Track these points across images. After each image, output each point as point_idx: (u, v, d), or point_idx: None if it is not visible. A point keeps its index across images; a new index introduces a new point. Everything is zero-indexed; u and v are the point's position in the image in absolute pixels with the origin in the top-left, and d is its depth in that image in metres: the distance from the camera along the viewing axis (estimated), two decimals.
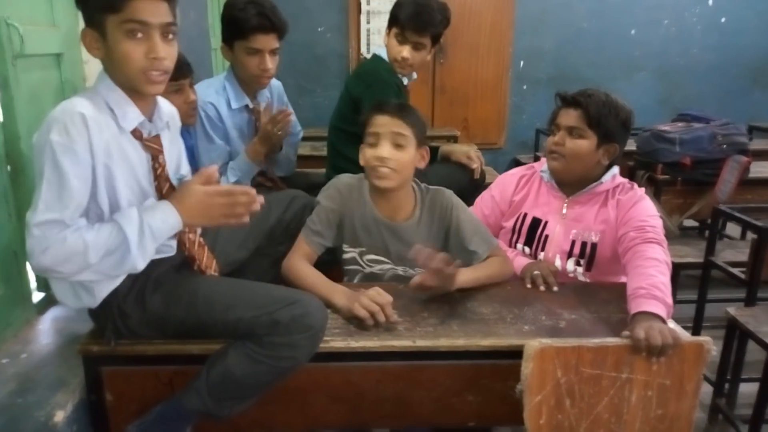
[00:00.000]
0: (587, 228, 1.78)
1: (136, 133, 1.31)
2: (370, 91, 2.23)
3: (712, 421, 2.19)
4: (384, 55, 2.33)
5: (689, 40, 5.16)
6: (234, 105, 2.15)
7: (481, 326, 1.49)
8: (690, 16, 5.12)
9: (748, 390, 2.08)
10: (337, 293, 1.52)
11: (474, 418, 1.50)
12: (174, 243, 1.42)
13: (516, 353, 1.31)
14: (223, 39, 2.12)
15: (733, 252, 2.64)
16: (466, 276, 1.60)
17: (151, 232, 1.23)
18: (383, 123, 1.62)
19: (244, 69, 2.10)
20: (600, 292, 1.69)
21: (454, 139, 4.22)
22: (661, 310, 1.39)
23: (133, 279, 1.33)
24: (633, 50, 5.15)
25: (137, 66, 1.23)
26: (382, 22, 2.26)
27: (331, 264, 1.75)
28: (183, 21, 1.30)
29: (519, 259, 1.82)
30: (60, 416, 1.30)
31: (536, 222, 1.85)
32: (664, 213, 2.62)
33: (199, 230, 1.50)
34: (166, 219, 1.25)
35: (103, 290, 1.32)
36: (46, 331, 1.62)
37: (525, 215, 1.87)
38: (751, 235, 2.34)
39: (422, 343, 1.42)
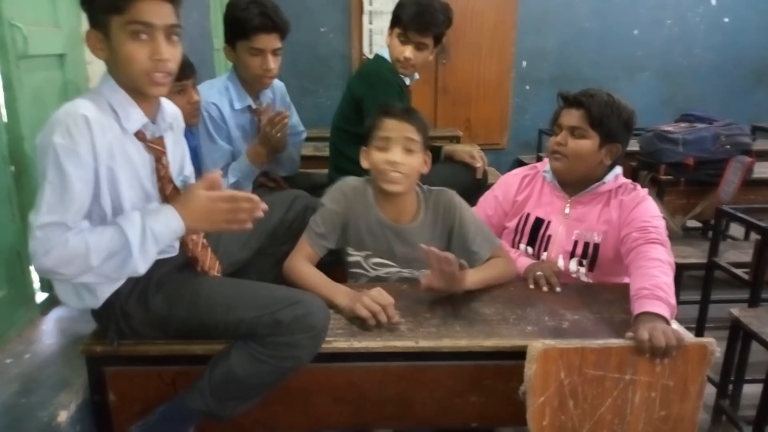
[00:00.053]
0: (590, 228, 1.78)
1: (140, 135, 1.32)
2: (373, 91, 2.24)
3: (715, 422, 2.18)
4: (386, 55, 2.33)
5: (692, 40, 5.15)
6: (237, 105, 2.15)
7: (484, 327, 1.48)
8: (693, 16, 5.11)
9: (751, 391, 2.08)
10: (340, 293, 1.52)
11: (477, 419, 1.50)
12: (177, 244, 1.43)
13: (519, 354, 1.31)
14: (226, 39, 2.12)
15: (737, 253, 2.63)
16: (472, 278, 1.60)
17: (153, 236, 1.23)
18: (394, 128, 1.62)
19: (246, 69, 2.10)
20: (603, 293, 1.69)
21: (456, 140, 4.22)
22: (664, 311, 1.38)
23: (135, 279, 1.34)
24: (636, 50, 5.14)
25: (141, 67, 1.23)
26: (384, 22, 2.27)
27: (333, 265, 1.75)
28: (185, 21, 1.30)
29: (522, 260, 1.82)
30: (63, 416, 1.30)
31: (539, 222, 1.85)
32: (667, 213, 2.62)
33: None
34: (169, 223, 1.25)
35: (106, 291, 1.32)
36: (49, 331, 1.62)
37: (528, 215, 1.87)
38: (754, 236, 2.33)
39: (425, 343, 1.42)
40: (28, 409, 1.31)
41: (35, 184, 1.54)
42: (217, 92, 2.13)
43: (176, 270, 1.43)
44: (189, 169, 1.55)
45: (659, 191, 2.97)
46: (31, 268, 1.63)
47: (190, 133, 2.07)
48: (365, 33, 4.84)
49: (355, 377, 1.45)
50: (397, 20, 2.25)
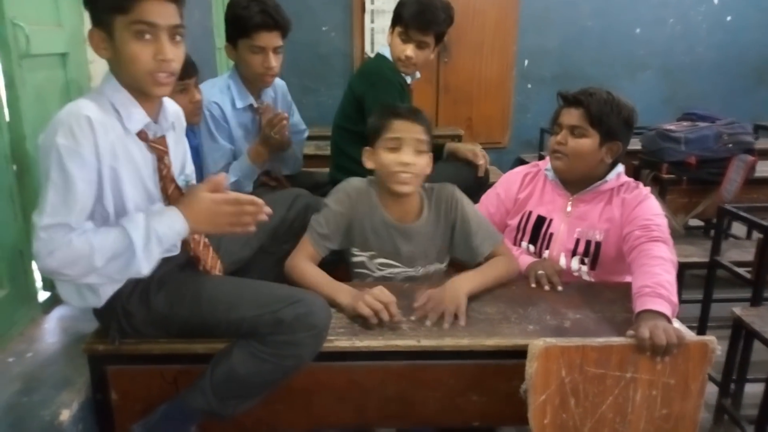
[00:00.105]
0: (591, 226, 1.78)
1: (142, 135, 1.32)
2: (374, 90, 2.24)
3: (717, 421, 2.18)
4: (388, 54, 2.33)
5: (694, 39, 5.14)
6: (238, 104, 2.15)
7: (486, 326, 1.48)
8: (695, 14, 5.10)
9: (753, 390, 2.08)
10: (342, 292, 1.52)
11: (478, 418, 1.50)
12: (179, 243, 1.43)
13: (520, 353, 1.31)
14: (227, 38, 2.12)
15: (739, 252, 2.63)
16: (473, 284, 1.60)
17: (157, 238, 1.24)
18: (405, 129, 1.63)
19: (247, 67, 2.10)
20: (605, 292, 1.69)
21: (458, 138, 4.22)
22: (666, 309, 1.38)
23: (137, 279, 1.33)
24: (638, 49, 5.14)
25: (145, 67, 1.23)
26: (386, 21, 2.27)
27: (335, 264, 1.75)
28: (187, 20, 1.30)
29: (523, 258, 1.82)
30: (65, 415, 1.30)
31: (541, 220, 1.85)
32: (669, 212, 2.62)
33: None
34: (173, 225, 1.26)
35: (108, 290, 1.32)
36: (51, 330, 1.62)
37: (530, 213, 1.87)
38: (756, 235, 2.33)
39: (427, 342, 1.42)
40: (30, 407, 1.31)
41: (37, 183, 1.55)
42: (219, 91, 2.13)
43: (178, 269, 1.43)
44: (190, 168, 1.55)
45: (661, 190, 2.97)
46: (34, 266, 1.63)
47: (191, 132, 2.07)
48: (367, 32, 4.84)
49: (356, 376, 1.45)
50: (398, 19, 2.25)
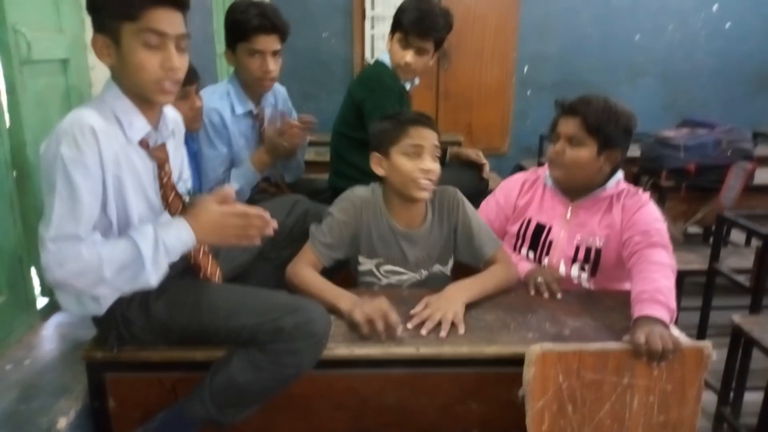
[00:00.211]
0: (591, 233, 1.78)
1: (143, 143, 1.32)
2: (373, 96, 2.24)
3: (716, 430, 2.17)
4: (387, 60, 2.33)
5: (694, 46, 5.15)
6: (238, 110, 2.16)
7: (485, 334, 1.48)
8: (695, 21, 5.11)
9: (753, 399, 2.07)
10: (343, 298, 1.52)
11: (478, 426, 1.50)
12: None
13: (520, 361, 1.31)
14: (227, 43, 2.12)
15: (738, 259, 2.63)
16: (472, 292, 1.60)
17: (165, 249, 1.24)
18: (426, 136, 1.64)
19: (246, 71, 2.10)
20: (604, 300, 1.69)
21: (458, 145, 4.19)
22: (663, 315, 1.39)
23: None
24: (637, 55, 5.14)
25: (152, 76, 1.23)
26: (386, 27, 2.27)
27: (336, 270, 1.75)
28: (188, 27, 1.30)
29: (523, 265, 1.82)
30: (63, 423, 1.30)
31: (540, 227, 1.85)
32: (668, 219, 2.61)
33: None
34: (180, 236, 1.26)
35: (109, 298, 1.32)
36: (49, 337, 1.62)
37: (529, 221, 1.87)
38: (755, 242, 2.33)
39: (426, 350, 1.41)
40: (28, 415, 1.31)
41: (37, 190, 1.55)
42: (219, 97, 2.13)
43: (178, 276, 1.43)
44: (186, 174, 1.55)
45: (660, 197, 2.97)
46: (33, 273, 1.63)
47: (190, 137, 2.07)
48: (367, 38, 4.85)
49: (355, 384, 1.45)
50: (397, 25, 2.26)
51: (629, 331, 1.37)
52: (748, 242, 3.46)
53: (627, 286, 1.67)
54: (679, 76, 5.20)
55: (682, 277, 2.59)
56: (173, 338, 1.38)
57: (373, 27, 4.82)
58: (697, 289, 2.70)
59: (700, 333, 2.53)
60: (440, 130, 1.73)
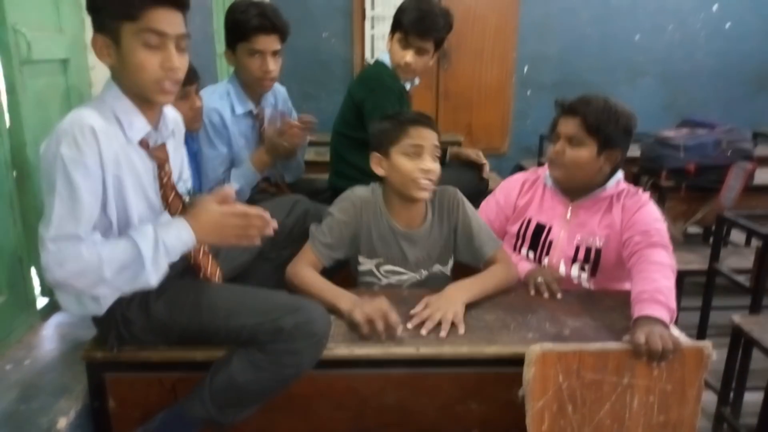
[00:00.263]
0: (591, 233, 1.78)
1: (143, 143, 1.32)
2: (373, 96, 2.24)
3: (716, 430, 2.17)
4: (387, 60, 2.33)
5: (693, 46, 5.16)
6: (238, 110, 2.16)
7: (485, 334, 1.48)
8: (694, 21, 5.11)
9: (753, 399, 2.07)
10: (343, 298, 1.52)
11: (478, 426, 1.50)
12: None
13: (520, 361, 1.31)
14: (227, 43, 2.12)
15: (738, 259, 2.63)
16: (472, 292, 1.60)
17: (165, 249, 1.24)
18: (426, 136, 1.64)
19: (246, 71, 2.10)
20: (604, 300, 1.69)
21: (458, 145, 4.20)
22: (663, 315, 1.39)
23: None
24: (637, 55, 5.15)
25: (152, 76, 1.23)
26: (386, 27, 2.27)
27: (335, 270, 1.75)
28: (188, 27, 1.30)
29: (522, 265, 1.82)
30: (63, 423, 1.30)
31: (540, 227, 1.85)
32: (668, 219, 2.61)
33: None
34: (180, 236, 1.26)
35: (109, 298, 1.32)
36: (49, 337, 1.62)
37: (529, 220, 1.87)
38: (755, 242, 2.33)
39: (426, 350, 1.41)
40: (28, 415, 1.31)
41: (37, 190, 1.55)
42: (219, 97, 2.13)
43: (177, 276, 1.43)
44: (186, 174, 1.55)
45: (660, 197, 2.97)
46: (33, 273, 1.63)
47: (190, 137, 2.07)
48: (367, 38, 4.85)
49: (355, 384, 1.45)
50: (397, 25, 2.26)
51: (629, 331, 1.37)
52: (748, 242, 3.46)
53: (627, 286, 1.67)
54: (678, 76, 5.21)
55: (682, 277, 2.59)
56: (173, 338, 1.38)
57: (373, 27, 4.82)
58: (697, 289, 2.70)
59: (700, 333, 2.53)
60: (440, 130, 1.73)
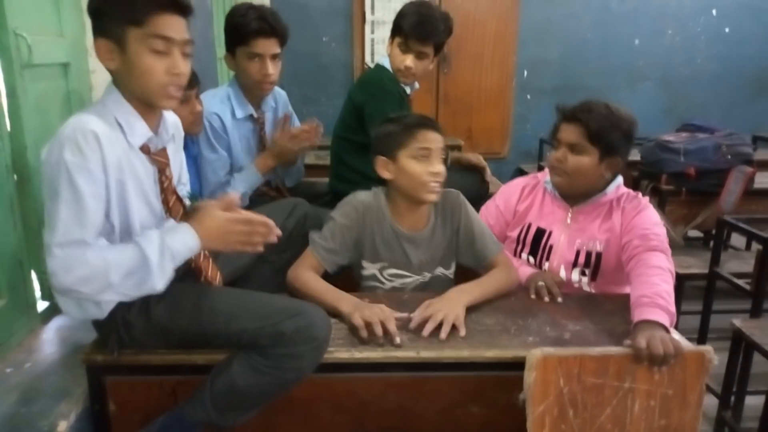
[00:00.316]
0: (591, 237, 1.78)
1: (144, 148, 1.32)
2: (374, 100, 2.24)
3: None
4: (387, 64, 2.34)
5: (693, 50, 5.17)
6: (238, 114, 2.16)
7: (486, 337, 1.48)
8: (694, 26, 5.13)
9: (754, 402, 2.07)
10: (344, 301, 1.52)
11: (478, 430, 1.49)
12: None
13: (520, 365, 1.30)
14: (227, 47, 2.13)
15: (738, 263, 2.63)
16: (472, 296, 1.60)
17: (171, 254, 1.24)
18: (435, 139, 1.64)
19: (246, 75, 2.11)
20: (605, 304, 1.69)
21: (458, 149, 4.22)
22: (664, 319, 1.39)
23: None
24: (637, 60, 5.16)
25: (158, 81, 1.24)
26: (386, 31, 2.29)
27: (337, 273, 1.75)
28: (190, 32, 1.31)
29: (523, 269, 1.82)
30: (63, 426, 1.30)
31: (540, 232, 1.85)
32: (668, 223, 2.62)
33: None
34: (186, 241, 1.27)
35: (111, 302, 1.32)
36: (50, 340, 1.62)
37: (529, 225, 1.87)
38: (756, 246, 2.33)
39: (426, 354, 1.41)
40: (28, 418, 1.30)
41: (38, 193, 1.55)
42: (219, 101, 2.14)
43: (178, 280, 1.43)
44: (185, 177, 1.55)
45: (660, 201, 2.98)
46: (33, 276, 1.63)
47: (190, 141, 2.08)
48: (367, 42, 4.86)
49: (356, 388, 1.45)
50: (398, 29, 2.27)
51: (630, 336, 1.37)
52: (748, 246, 3.46)
53: (628, 289, 1.67)
54: (678, 81, 5.22)
55: (682, 281, 2.59)
56: (174, 341, 1.38)
57: (373, 31, 4.84)
58: (698, 292, 2.70)
59: (701, 337, 2.52)
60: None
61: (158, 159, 1.35)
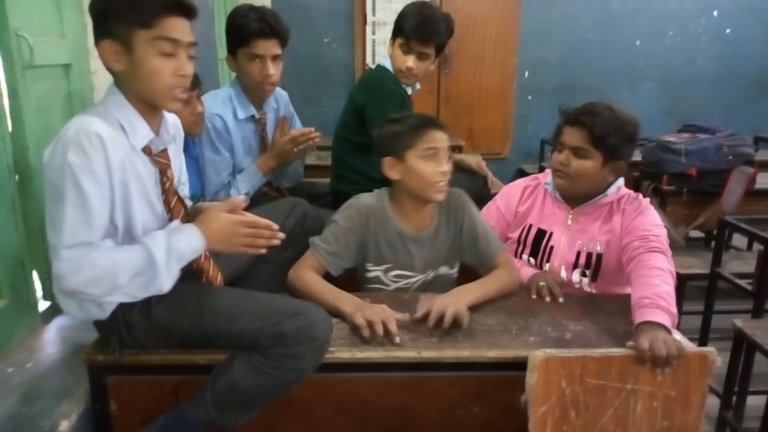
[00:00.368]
0: (592, 239, 1.78)
1: (146, 149, 1.32)
2: (375, 100, 2.25)
3: None
4: (388, 65, 2.34)
5: (694, 51, 5.17)
6: (240, 115, 2.16)
7: (487, 337, 1.48)
8: (695, 26, 5.13)
9: (755, 402, 2.07)
10: (345, 300, 1.52)
11: (479, 430, 1.49)
12: None
13: (521, 365, 1.30)
14: (228, 49, 2.13)
15: (740, 263, 2.63)
16: (475, 295, 1.60)
17: (177, 255, 1.25)
18: (441, 138, 1.64)
19: (247, 76, 2.11)
20: (606, 304, 1.69)
21: (459, 149, 4.22)
22: (665, 320, 1.38)
23: None
24: (638, 61, 5.16)
25: (166, 83, 1.25)
26: (387, 32, 2.29)
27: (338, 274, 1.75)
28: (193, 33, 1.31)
29: (525, 270, 1.82)
30: (65, 426, 1.30)
31: (541, 233, 1.85)
32: (669, 224, 2.62)
33: None
34: (191, 242, 1.28)
35: (112, 303, 1.32)
36: (51, 340, 1.62)
37: (530, 227, 1.87)
38: (757, 246, 2.33)
39: (427, 354, 1.41)
40: (29, 418, 1.31)
41: (39, 194, 1.55)
42: (221, 102, 2.14)
43: (179, 280, 1.43)
44: (184, 177, 1.56)
45: (662, 201, 2.98)
46: (34, 276, 1.64)
47: (192, 142, 2.08)
48: (368, 43, 4.87)
49: (357, 388, 1.45)
50: (399, 30, 2.27)
51: (632, 337, 1.37)
52: (749, 246, 3.46)
53: (628, 290, 1.67)
54: (679, 81, 5.22)
55: (684, 281, 2.59)
56: (175, 342, 1.38)
57: (374, 32, 4.84)
58: (699, 293, 2.70)
59: (702, 337, 2.52)
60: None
61: (160, 160, 1.35)
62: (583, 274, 1.79)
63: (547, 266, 1.83)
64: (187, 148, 2.01)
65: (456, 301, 1.52)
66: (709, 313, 2.50)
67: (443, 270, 1.78)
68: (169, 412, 1.38)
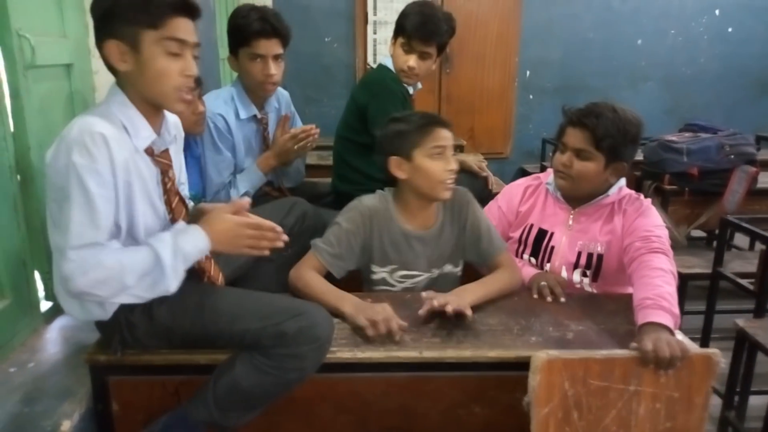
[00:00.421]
0: (593, 239, 1.78)
1: (148, 150, 1.32)
2: (376, 100, 2.25)
3: None
4: (390, 64, 2.34)
5: (696, 50, 5.16)
6: (242, 115, 2.16)
7: (488, 337, 1.48)
8: (697, 26, 5.12)
9: (757, 402, 2.07)
10: (346, 301, 1.52)
11: (481, 430, 1.49)
12: None
13: (523, 365, 1.30)
14: (230, 49, 2.13)
15: (742, 263, 2.63)
16: (476, 295, 1.60)
17: (183, 255, 1.25)
18: (447, 136, 1.65)
19: (248, 76, 2.11)
20: (607, 304, 1.68)
21: (460, 149, 4.22)
22: (668, 321, 1.38)
23: None
24: (640, 60, 5.15)
25: (172, 83, 1.25)
26: (388, 32, 2.29)
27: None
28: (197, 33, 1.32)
29: (526, 269, 1.82)
30: (66, 426, 1.30)
31: (542, 233, 1.84)
32: (671, 223, 2.62)
33: None
34: (197, 243, 1.28)
35: (114, 303, 1.32)
36: (53, 340, 1.62)
37: (531, 226, 1.87)
38: (759, 246, 2.32)
39: (429, 354, 1.41)
40: (31, 418, 1.31)
41: (41, 194, 1.55)
42: (223, 102, 2.14)
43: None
44: (184, 177, 1.56)
45: (664, 201, 2.97)
46: (36, 276, 1.64)
47: (194, 142, 2.08)
48: (369, 43, 4.87)
49: (358, 388, 1.45)
50: (400, 30, 2.27)
51: (635, 339, 1.36)
52: (752, 246, 3.46)
53: (630, 290, 1.67)
54: (681, 81, 5.21)
55: (685, 281, 2.59)
56: (176, 342, 1.38)
57: (375, 32, 4.84)
58: (701, 292, 2.69)
59: (704, 337, 2.52)
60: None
61: (161, 161, 1.35)
62: (584, 275, 1.79)
63: (547, 266, 1.83)
64: (189, 147, 2.02)
65: (458, 300, 1.51)
66: (711, 313, 2.50)
67: (448, 268, 1.78)
68: (170, 412, 1.38)
